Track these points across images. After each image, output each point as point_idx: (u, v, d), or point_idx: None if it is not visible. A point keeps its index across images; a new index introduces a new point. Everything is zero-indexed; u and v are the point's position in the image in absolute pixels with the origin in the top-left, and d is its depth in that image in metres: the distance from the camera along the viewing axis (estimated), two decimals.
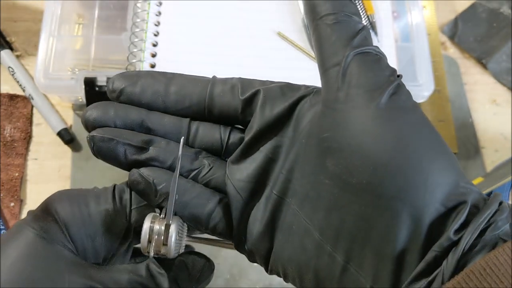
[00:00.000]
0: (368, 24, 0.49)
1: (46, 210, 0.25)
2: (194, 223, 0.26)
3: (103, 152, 0.26)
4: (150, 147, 0.26)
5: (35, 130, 0.53)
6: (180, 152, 0.26)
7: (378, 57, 0.24)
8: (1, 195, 0.48)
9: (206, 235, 0.29)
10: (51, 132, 0.52)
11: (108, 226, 0.26)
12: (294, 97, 0.26)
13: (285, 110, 0.26)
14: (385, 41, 0.50)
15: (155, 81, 0.27)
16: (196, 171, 0.27)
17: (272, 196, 0.25)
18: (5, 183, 0.49)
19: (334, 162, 0.22)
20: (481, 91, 0.62)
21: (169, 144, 0.27)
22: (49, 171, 0.51)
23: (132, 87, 0.27)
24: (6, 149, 0.50)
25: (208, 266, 0.28)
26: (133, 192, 0.27)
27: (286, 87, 0.27)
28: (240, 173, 0.26)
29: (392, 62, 0.50)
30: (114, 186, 0.28)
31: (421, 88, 0.50)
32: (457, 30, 0.64)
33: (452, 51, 0.64)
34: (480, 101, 0.61)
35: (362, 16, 0.49)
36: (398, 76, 0.23)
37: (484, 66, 0.63)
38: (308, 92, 0.26)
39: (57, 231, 0.25)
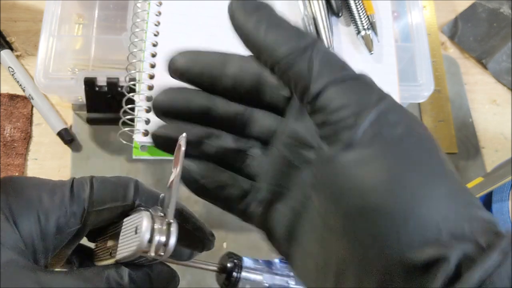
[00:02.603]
0: (368, 24, 0.49)
1: None
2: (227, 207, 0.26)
3: (164, 148, 0.26)
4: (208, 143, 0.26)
5: (35, 130, 0.53)
6: (183, 148, 0.24)
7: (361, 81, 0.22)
8: None
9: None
10: (51, 132, 0.52)
11: (60, 226, 0.24)
12: None
13: None
14: (385, 41, 0.50)
15: (213, 62, 0.25)
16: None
17: (293, 204, 0.24)
18: None
19: (320, 202, 0.21)
20: (481, 91, 0.62)
21: (227, 138, 0.26)
22: (49, 171, 0.51)
23: (194, 68, 0.26)
24: (6, 149, 0.50)
25: (173, 279, 0.26)
26: (94, 191, 0.25)
27: None
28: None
29: (392, 62, 0.50)
30: (73, 180, 0.25)
31: (421, 88, 0.50)
32: (457, 30, 0.64)
33: (452, 51, 0.64)
34: (480, 101, 0.61)
35: (362, 16, 0.49)
36: (384, 97, 0.20)
37: (484, 66, 0.63)
38: None
39: (8, 230, 0.22)
